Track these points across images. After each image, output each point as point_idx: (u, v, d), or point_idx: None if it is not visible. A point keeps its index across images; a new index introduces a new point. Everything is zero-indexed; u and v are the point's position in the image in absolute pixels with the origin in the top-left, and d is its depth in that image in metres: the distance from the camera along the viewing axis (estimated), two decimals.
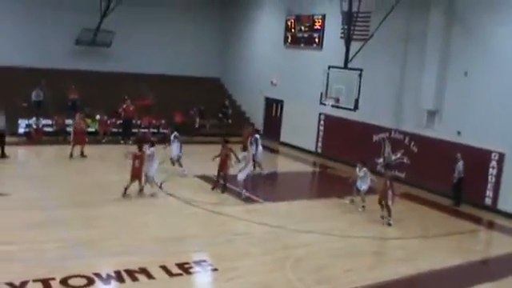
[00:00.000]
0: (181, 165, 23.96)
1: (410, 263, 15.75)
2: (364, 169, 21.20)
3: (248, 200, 20.78)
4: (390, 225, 19.07)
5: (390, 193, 19.21)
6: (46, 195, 19.28)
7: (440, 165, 23.85)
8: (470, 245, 18.67)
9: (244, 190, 21.08)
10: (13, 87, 30.22)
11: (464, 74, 23.17)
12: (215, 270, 14.12)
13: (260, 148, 25.57)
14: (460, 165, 22.62)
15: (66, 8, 32.04)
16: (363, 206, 20.74)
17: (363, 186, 20.94)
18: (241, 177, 21.13)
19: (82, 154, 25.54)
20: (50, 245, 14.60)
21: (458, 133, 23.55)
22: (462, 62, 23.39)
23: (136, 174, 19.88)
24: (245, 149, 22.41)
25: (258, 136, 26.10)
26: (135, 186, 19.95)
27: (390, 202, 19.16)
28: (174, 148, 23.98)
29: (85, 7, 31.80)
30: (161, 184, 21.67)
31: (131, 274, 13.15)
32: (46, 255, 13.94)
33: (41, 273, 12.71)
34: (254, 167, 24.68)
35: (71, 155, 25.28)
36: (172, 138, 24.20)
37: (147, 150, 20.58)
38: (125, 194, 19.50)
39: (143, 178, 20.17)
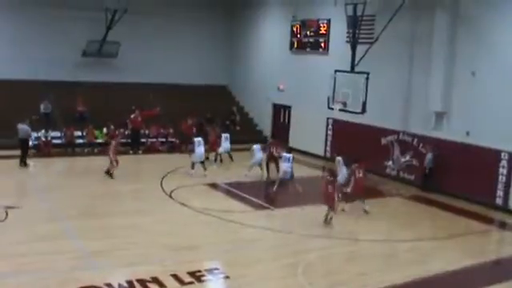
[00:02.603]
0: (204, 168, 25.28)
1: (423, 265, 15.68)
2: (337, 158, 22.49)
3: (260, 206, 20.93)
4: (365, 212, 20.16)
5: (351, 181, 20.08)
6: (57, 207, 19.34)
7: (449, 166, 23.77)
8: (481, 245, 18.56)
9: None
10: (21, 100, 30.41)
11: (471, 74, 23.10)
12: (227, 277, 14.10)
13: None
14: (429, 156, 24.23)
15: (72, 20, 32.16)
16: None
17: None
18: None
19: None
20: (61, 256, 14.64)
21: (467, 133, 23.45)
22: (468, 62, 23.31)
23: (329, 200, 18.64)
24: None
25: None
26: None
27: (348, 189, 19.98)
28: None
29: (90, 19, 31.95)
30: (171, 193, 21.77)
31: (143, 283, 13.14)
32: (57, 266, 13.96)
33: (52, 284, 12.78)
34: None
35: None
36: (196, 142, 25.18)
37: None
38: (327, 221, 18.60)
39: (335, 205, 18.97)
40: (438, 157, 24.24)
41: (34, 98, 30.63)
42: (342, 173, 21.78)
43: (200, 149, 24.96)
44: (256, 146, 25.59)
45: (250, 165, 25.02)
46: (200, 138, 25.38)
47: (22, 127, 25.96)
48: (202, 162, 25.10)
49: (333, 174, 19.92)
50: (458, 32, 23.73)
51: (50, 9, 31.88)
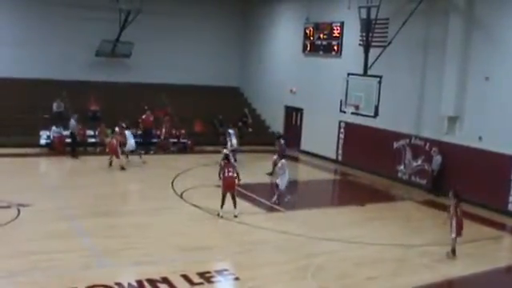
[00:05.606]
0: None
1: (434, 270, 15.59)
2: (282, 161, 21.74)
3: (272, 208, 20.96)
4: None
5: (453, 222, 16.56)
6: (68, 205, 19.41)
7: (461, 171, 23.65)
8: (493, 251, 18.43)
9: (288, 197, 21.54)
10: (35, 99, 30.64)
11: (485, 79, 22.94)
12: (237, 279, 14.09)
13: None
14: (437, 159, 24.32)
15: (86, 20, 32.36)
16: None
17: (281, 181, 21.31)
18: (282, 186, 21.35)
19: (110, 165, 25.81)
20: (72, 254, 14.70)
21: (480, 138, 23.31)
22: (482, 66, 23.16)
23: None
24: (283, 156, 22.57)
25: (231, 131, 27.89)
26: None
27: (453, 235, 16.55)
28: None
29: (104, 19, 32.17)
30: (181, 193, 21.79)
31: (153, 283, 13.16)
32: (68, 265, 14.04)
33: (63, 282, 12.82)
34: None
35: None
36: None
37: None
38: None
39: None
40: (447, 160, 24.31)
41: (47, 96, 30.78)
42: (283, 177, 21.48)
43: (131, 140, 26.37)
44: (231, 131, 27.36)
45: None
46: (129, 132, 26.70)
47: (72, 122, 27.79)
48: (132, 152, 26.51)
49: (458, 195, 16.81)
50: (472, 37, 23.59)
51: (65, 8, 32.08)
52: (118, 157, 25.57)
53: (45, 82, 31.73)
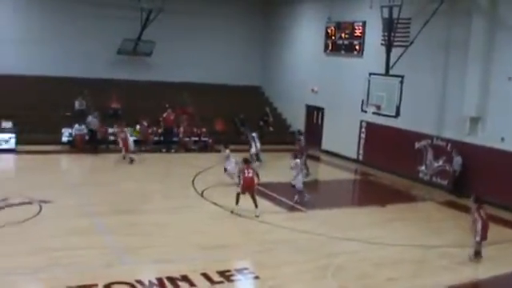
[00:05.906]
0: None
1: (454, 272, 15.46)
2: (296, 160, 21.43)
3: (293, 208, 20.95)
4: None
5: (478, 225, 16.39)
6: (89, 202, 19.57)
7: (483, 172, 23.44)
8: None
9: (307, 195, 21.39)
10: (57, 97, 30.92)
11: (508, 80, 22.71)
12: (257, 277, 14.11)
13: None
14: (458, 160, 24.09)
15: (108, 19, 32.58)
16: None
17: (296, 181, 21.14)
18: (299, 185, 21.24)
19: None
20: (93, 251, 14.81)
21: (502, 139, 23.09)
22: (505, 67, 22.90)
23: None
24: (295, 156, 22.39)
25: (254, 134, 27.92)
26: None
27: (477, 238, 16.34)
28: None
29: (126, 18, 32.35)
30: (202, 192, 21.84)
31: (173, 281, 13.22)
32: (89, 262, 14.14)
33: (84, 279, 12.89)
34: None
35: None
36: None
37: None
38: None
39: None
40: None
41: (70, 94, 31.05)
42: (298, 177, 21.27)
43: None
44: (255, 134, 27.85)
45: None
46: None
47: (90, 119, 28.81)
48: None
49: (479, 199, 16.89)
50: (496, 37, 23.33)
51: (87, 7, 32.34)
52: (128, 151, 27.02)
53: (67, 80, 31.96)
